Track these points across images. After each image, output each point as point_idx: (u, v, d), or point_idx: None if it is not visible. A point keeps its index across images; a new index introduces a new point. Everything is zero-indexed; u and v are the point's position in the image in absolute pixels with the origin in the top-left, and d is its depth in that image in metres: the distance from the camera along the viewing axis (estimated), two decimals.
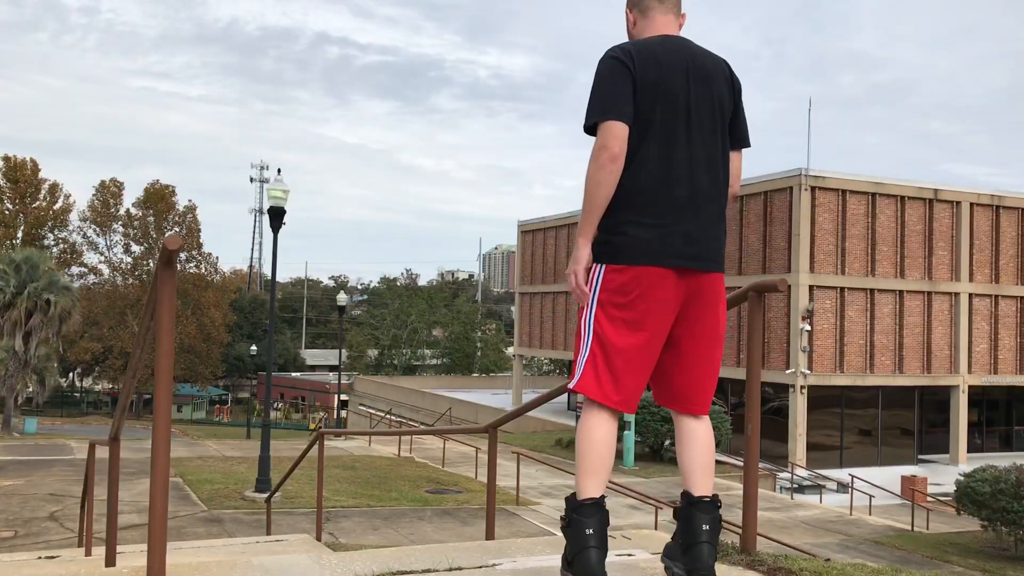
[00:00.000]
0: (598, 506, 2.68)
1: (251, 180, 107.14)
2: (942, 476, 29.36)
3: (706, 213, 2.73)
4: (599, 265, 2.73)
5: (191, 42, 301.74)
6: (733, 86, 2.85)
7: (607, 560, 2.68)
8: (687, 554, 2.74)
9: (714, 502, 2.81)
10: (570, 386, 2.82)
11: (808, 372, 30.19)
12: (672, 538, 2.90)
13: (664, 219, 2.67)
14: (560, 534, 3.03)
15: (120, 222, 61.44)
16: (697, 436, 2.86)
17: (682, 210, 2.69)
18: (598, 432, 2.72)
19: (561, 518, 2.76)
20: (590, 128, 2.68)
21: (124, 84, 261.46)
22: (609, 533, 3.12)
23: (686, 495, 2.85)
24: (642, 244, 2.66)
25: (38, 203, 59.14)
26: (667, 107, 2.68)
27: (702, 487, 2.82)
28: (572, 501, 2.72)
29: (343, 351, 62.31)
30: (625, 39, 2.93)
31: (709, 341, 2.82)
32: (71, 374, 69.40)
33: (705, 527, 2.74)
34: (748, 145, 2.92)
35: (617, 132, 2.62)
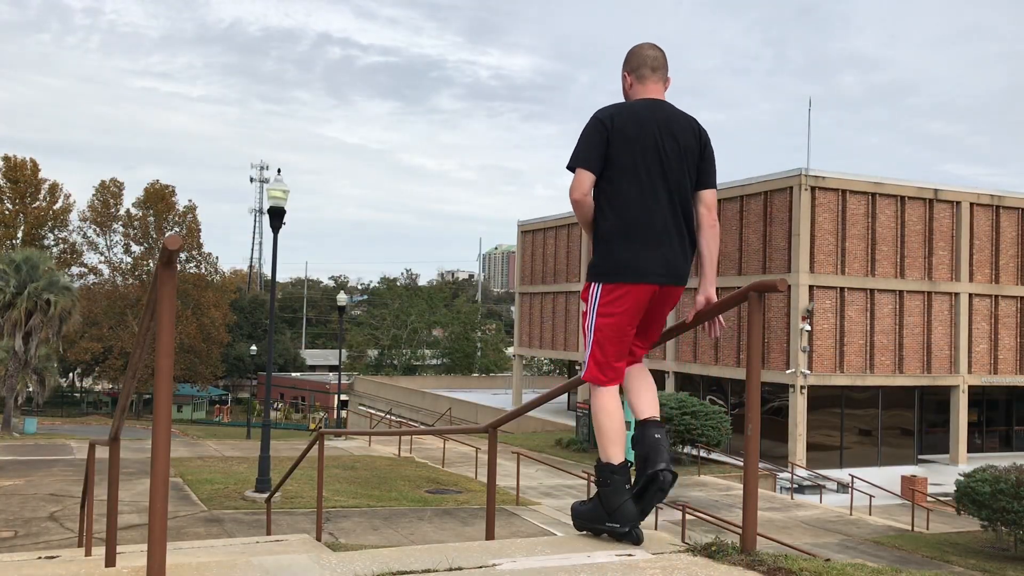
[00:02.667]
0: (626, 467, 3.43)
1: (251, 180, 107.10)
2: (942, 476, 29.35)
3: (678, 241, 3.43)
4: (596, 284, 3.45)
5: (193, 43, 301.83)
6: (699, 139, 3.49)
7: (606, 560, 2.96)
8: (648, 460, 3.40)
9: (659, 420, 3.52)
10: (581, 376, 3.58)
11: (808, 372, 30.19)
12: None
13: (647, 247, 3.37)
14: (560, 534, 3.30)
15: (120, 222, 61.42)
16: (646, 376, 3.65)
17: (659, 239, 3.39)
18: (610, 405, 3.48)
19: (597, 481, 3.45)
20: (571, 168, 3.44)
21: (126, 84, 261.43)
22: None
23: (639, 422, 3.53)
24: (631, 267, 3.37)
25: (38, 203, 59.12)
26: (644, 155, 3.37)
27: (651, 410, 3.53)
28: (609, 465, 3.41)
29: (343, 351, 62.30)
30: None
31: (660, 326, 3.70)
32: (71, 374, 69.34)
33: (657, 436, 3.42)
34: (715, 186, 3.57)
35: (583, 180, 3.40)
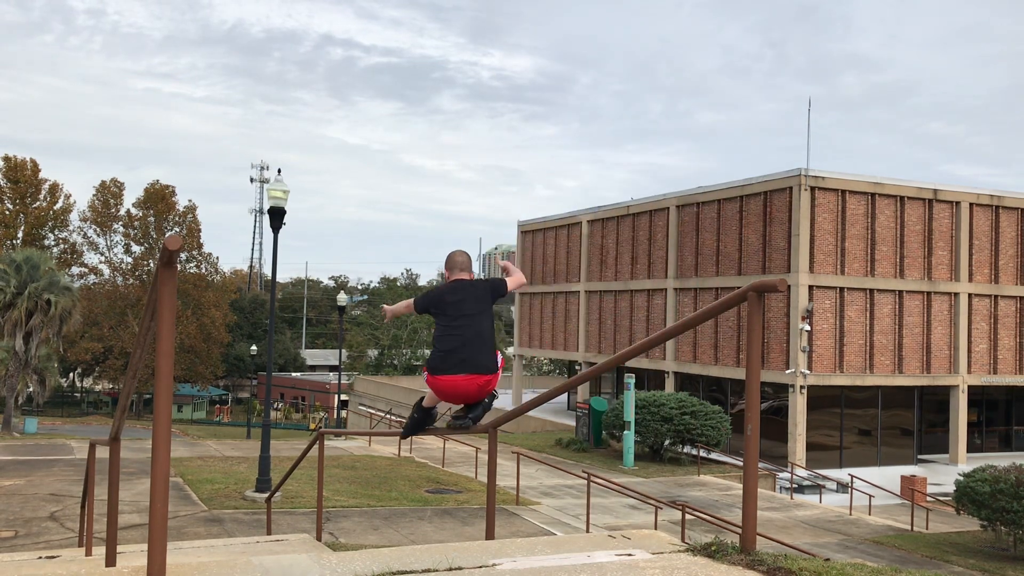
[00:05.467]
0: (435, 409, 5.64)
1: (251, 180, 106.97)
2: (942, 476, 29.36)
3: (474, 347, 5.18)
4: (428, 372, 5.28)
5: (196, 44, 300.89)
6: (493, 289, 5.42)
7: (606, 560, 3.04)
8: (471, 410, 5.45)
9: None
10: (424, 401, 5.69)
11: (808, 372, 30.19)
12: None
13: (451, 353, 5.17)
14: (560, 534, 3.20)
15: (120, 222, 61.46)
16: None
17: (458, 346, 5.17)
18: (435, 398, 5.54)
19: (414, 408, 5.71)
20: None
21: (129, 85, 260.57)
22: (609, 533, 3.25)
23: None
24: (441, 364, 5.19)
25: (38, 203, 59.15)
26: (454, 306, 5.27)
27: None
28: (423, 404, 5.62)
29: (343, 351, 62.30)
30: None
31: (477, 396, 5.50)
32: (71, 374, 69.37)
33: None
34: (504, 294, 5.53)
35: (408, 308, 5.62)
